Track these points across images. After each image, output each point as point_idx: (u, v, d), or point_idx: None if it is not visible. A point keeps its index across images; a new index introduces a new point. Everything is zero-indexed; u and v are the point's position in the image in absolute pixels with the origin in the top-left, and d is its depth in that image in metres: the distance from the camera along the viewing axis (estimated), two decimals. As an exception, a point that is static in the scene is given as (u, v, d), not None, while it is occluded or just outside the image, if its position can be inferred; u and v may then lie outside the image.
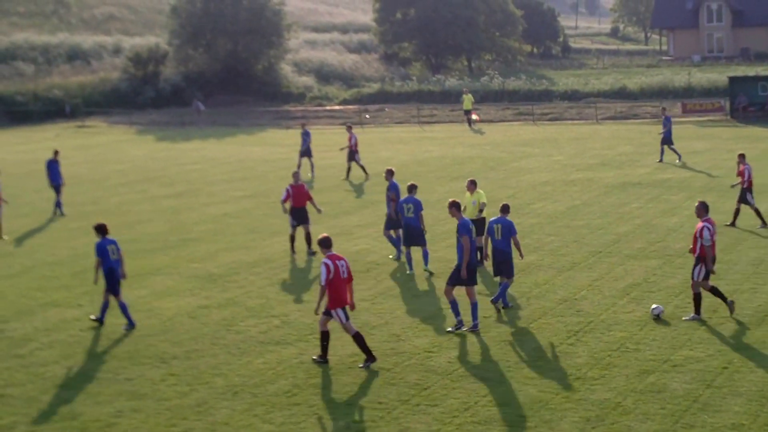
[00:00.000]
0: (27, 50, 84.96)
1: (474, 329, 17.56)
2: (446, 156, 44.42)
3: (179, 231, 28.39)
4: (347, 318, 15.94)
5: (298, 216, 24.53)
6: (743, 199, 26.02)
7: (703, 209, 17.99)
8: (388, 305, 19.54)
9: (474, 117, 60.62)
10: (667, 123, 39.64)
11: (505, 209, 19.20)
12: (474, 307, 17.55)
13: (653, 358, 15.77)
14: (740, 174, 26.09)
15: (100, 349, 17.33)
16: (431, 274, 21.94)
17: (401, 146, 49.89)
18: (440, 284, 20.95)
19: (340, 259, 15.93)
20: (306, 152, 39.79)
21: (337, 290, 15.76)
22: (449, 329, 17.72)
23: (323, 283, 15.70)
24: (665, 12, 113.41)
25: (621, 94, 70.64)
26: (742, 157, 26.55)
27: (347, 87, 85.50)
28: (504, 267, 18.83)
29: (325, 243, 15.99)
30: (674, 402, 13.92)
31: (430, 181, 36.51)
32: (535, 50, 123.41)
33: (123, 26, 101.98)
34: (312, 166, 39.63)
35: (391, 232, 23.49)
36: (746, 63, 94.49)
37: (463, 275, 17.30)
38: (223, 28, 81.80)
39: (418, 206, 22.12)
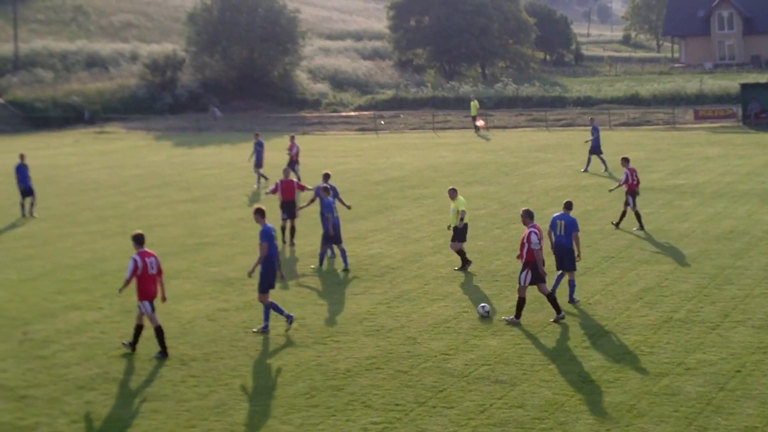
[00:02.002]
0: (46, 57, 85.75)
1: (264, 330, 18.34)
2: (460, 161, 44.63)
3: (196, 235, 28.65)
4: (153, 310, 17.08)
5: (288, 209, 26.12)
6: (629, 201, 26.81)
7: (527, 217, 18.55)
8: (403, 309, 19.70)
9: (479, 123, 61.02)
10: (595, 132, 39.91)
11: (568, 206, 19.89)
12: (271, 307, 18.41)
13: (667, 361, 15.88)
14: (626, 178, 26.88)
15: (121, 351, 17.49)
16: (348, 271, 23.22)
17: (415, 152, 50.11)
18: (454, 288, 21.18)
19: (150, 255, 17.13)
20: (258, 163, 39.02)
21: (145, 284, 16.97)
22: (254, 329, 18.47)
23: (129, 277, 16.91)
24: (677, 20, 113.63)
25: (633, 101, 70.92)
26: (625, 161, 27.47)
27: (362, 93, 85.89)
28: (567, 261, 19.39)
29: (138, 240, 17.20)
30: (688, 405, 14.02)
31: (444, 187, 36.49)
32: (548, 57, 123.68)
33: (140, 33, 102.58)
34: (259, 177, 38.77)
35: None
36: (757, 70, 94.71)
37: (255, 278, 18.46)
38: (239, 36, 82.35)
39: (336, 192, 24.83)
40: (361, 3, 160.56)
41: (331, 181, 24.92)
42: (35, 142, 63.59)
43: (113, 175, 44.07)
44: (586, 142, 41.13)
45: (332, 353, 16.99)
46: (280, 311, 18.33)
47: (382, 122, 68.95)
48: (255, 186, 38.47)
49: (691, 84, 73.91)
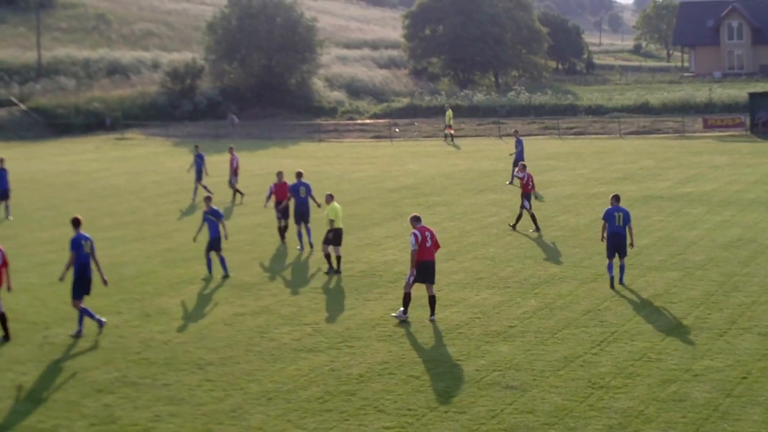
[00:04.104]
0: (69, 65, 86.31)
1: (78, 335, 19.03)
2: (472, 169, 44.83)
3: (213, 240, 28.93)
4: None
5: (283, 210, 27.53)
6: (524, 204, 28.45)
7: (413, 221, 19.54)
8: (416, 314, 19.82)
9: (448, 132, 61.75)
10: (519, 145, 40.22)
11: (618, 199, 21.90)
12: (83, 312, 19.13)
13: (675, 368, 15.99)
14: (521, 180, 28.63)
15: (139, 355, 17.71)
16: (311, 247, 26.28)
17: (429, 159, 50.34)
18: (466, 295, 21.35)
19: None
20: (198, 176, 38.34)
21: None
22: (70, 333, 19.16)
23: None
24: (687, 30, 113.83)
25: (643, 110, 71.09)
26: (523, 167, 29.13)
27: (377, 101, 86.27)
28: (621, 249, 21.48)
29: None
30: (695, 411, 14.12)
31: (457, 194, 36.92)
32: (560, 66, 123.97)
33: (161, 42, 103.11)
34: (204, 188, 37.70)
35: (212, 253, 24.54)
36: (766, 79, 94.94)
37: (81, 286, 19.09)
38: (258, 44, 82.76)
39: (308, 189, 26.58)
40: (378, 12, 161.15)
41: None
42: (57, 149, 64.15)
43: (132, 181, 44.43)
44: (511, 155, 41.33)
45: (346, 358, 17.18)
46: (91, 316, 19.12)
47: (397, 130, 69.25)
48: (191, 198, 37.91)
49: (700, 93, 74.00)
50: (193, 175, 38.83)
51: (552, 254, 25.33)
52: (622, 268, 21.68)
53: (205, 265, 24.13)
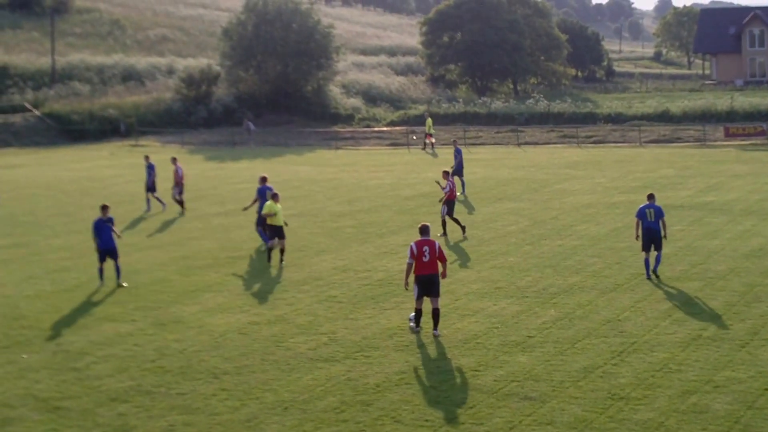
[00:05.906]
0: (83, 71, 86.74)
1: None
2: (491, 177, 44.69)
3: (229, 248, 28.91)
4: None
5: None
6: (450, 212, 29.52)
7: (419, 231, 19.36)
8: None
9: (431, 140, 61.82)
10: (458, 155, 40.04)
11: (652, 197, 23.35)
12: None
13: (695, 379, 15.85)
14: (444, 189, 29.42)
15: (154, 363, 17.67)
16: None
17: (447, 167, 50.10)
18: (484, 304, 21.21)
19: None
20: (151, 186, 37.49)
21: None
22: None
23: None
24: (708, 37, 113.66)
25: (664, 118, 70.82)
26: (446, 173, 29.89)
27: (394, 109, 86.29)
28: (656, 242, 22.89)
29: None
30: (716, 423, 13.98)
31: (475, 202, 36.81)
32: (579, 74, 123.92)
33: (176, 48, 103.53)
34: (157, 199, 37.66)
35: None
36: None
37: None
38: (274, 50, 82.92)
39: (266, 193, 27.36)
40: (395, 19, 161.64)
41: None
42: (71, 155, 64.39)
43: (147, 189, 44.45)
44: (451, 168, 41.24)
45: (362, 368, 17.08)
46: None
47: (414, 137, 69.19)
48: (144, 209, 37.43)
49: (721, 101, 73.69)
50: (144, 187, 38.15)
51: (571, 264, 25.15)
52: (658, 258, 23.00)
53: (97, 271, 24.43)
